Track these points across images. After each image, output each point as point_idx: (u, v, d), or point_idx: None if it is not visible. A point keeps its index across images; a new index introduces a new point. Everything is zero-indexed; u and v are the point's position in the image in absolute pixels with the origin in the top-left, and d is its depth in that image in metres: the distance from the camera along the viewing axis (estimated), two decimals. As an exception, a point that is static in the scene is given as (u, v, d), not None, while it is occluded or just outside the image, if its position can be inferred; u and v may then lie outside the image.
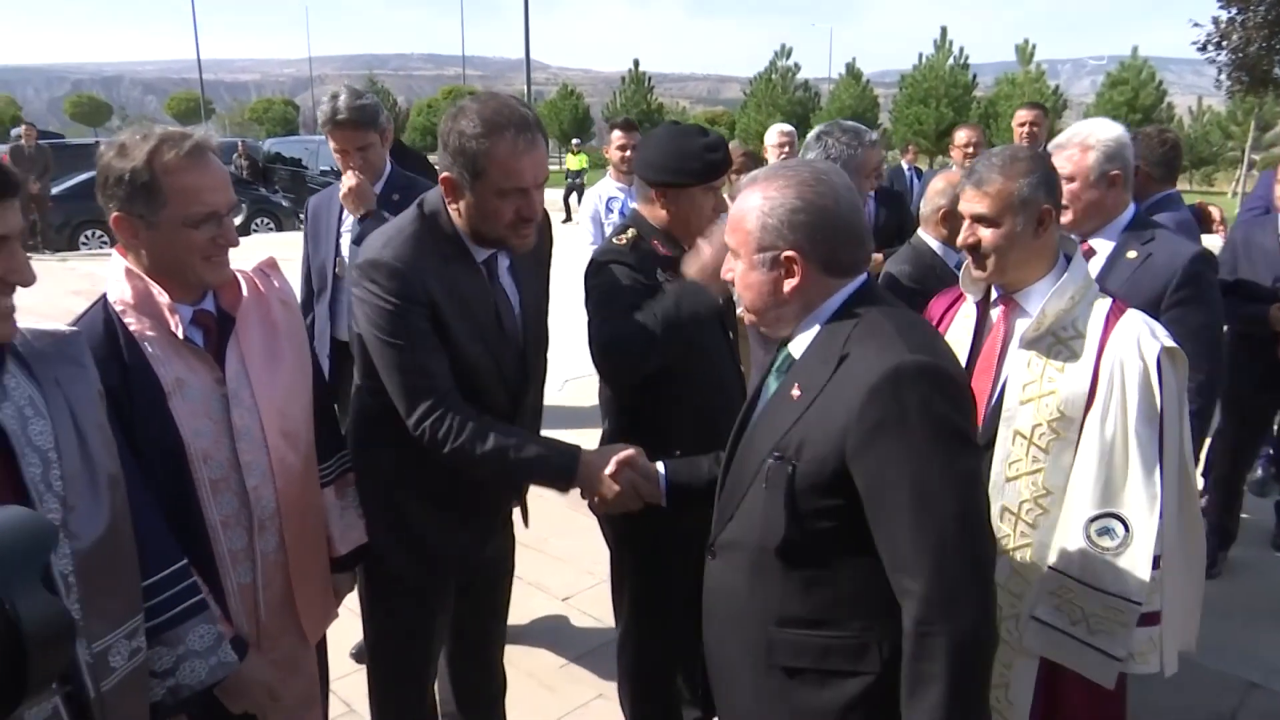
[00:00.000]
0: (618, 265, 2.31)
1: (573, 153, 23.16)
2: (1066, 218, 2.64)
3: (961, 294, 2.25)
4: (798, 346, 1.62)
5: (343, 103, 3.14)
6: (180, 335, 1.81)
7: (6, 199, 1.39)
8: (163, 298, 1.80)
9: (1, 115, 61.61)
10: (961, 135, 6.21)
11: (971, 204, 2.05)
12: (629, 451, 2.07)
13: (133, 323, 1.80)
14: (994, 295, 2.15)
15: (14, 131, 14.79)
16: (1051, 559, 2.01)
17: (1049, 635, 2.03)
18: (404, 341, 1.99)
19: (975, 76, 38.29)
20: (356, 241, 3.10)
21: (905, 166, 8.76)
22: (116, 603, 1.55)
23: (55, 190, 14.33)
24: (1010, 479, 2.04)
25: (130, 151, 1.74)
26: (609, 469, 2.04)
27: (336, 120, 3.19)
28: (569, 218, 19.28)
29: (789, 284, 1.57)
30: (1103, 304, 2.02)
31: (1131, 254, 2.61)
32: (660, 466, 2.06)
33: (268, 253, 2.23)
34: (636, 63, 48.26)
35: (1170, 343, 1.98)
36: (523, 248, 2.08)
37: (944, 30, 39.05)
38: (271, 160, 22.73)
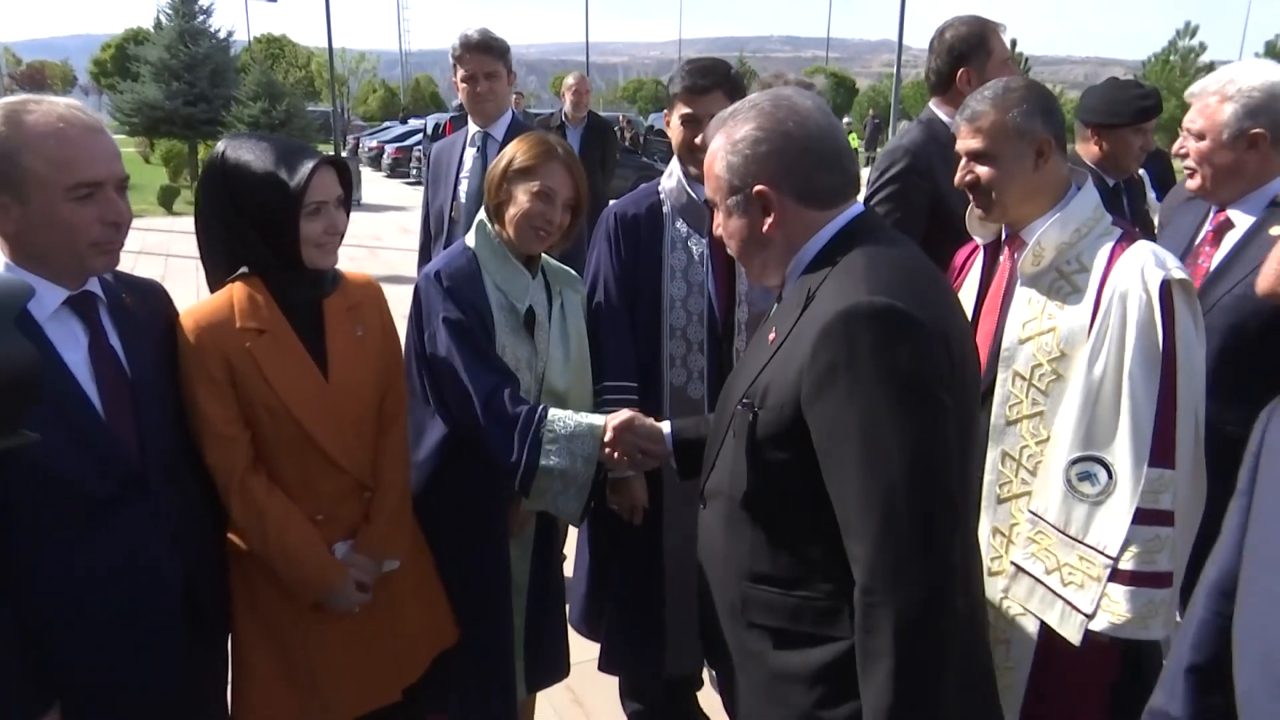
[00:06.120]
0: None
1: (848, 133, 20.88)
2: (1194, 182, 2.39)
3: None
4: (787, 290, 1.54)
5: (475, 30, 3.30)
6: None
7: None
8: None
9: (423, 92, 71.51)
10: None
11: (966, 140, 1.99)
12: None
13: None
14: (1004, 237, 2.09)
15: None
16: (1032, 502, 1.94)
17: (1025, 583, 1.95)
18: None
19: None
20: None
21: None
22: None
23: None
24: (1010, 422, 1.98)
25: None
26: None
27: (469, 43, 3.24)
28: None
29: (767, 222, 1.47)
30: (1114, 236, 1.90)
31: (1276, 230, 2.24)
32: (665, 426, 2.01)
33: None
34: (1014, 43, 44.80)
35: (1181, 274, 1.81)
36: None
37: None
38: (657, 134, 22.01)
